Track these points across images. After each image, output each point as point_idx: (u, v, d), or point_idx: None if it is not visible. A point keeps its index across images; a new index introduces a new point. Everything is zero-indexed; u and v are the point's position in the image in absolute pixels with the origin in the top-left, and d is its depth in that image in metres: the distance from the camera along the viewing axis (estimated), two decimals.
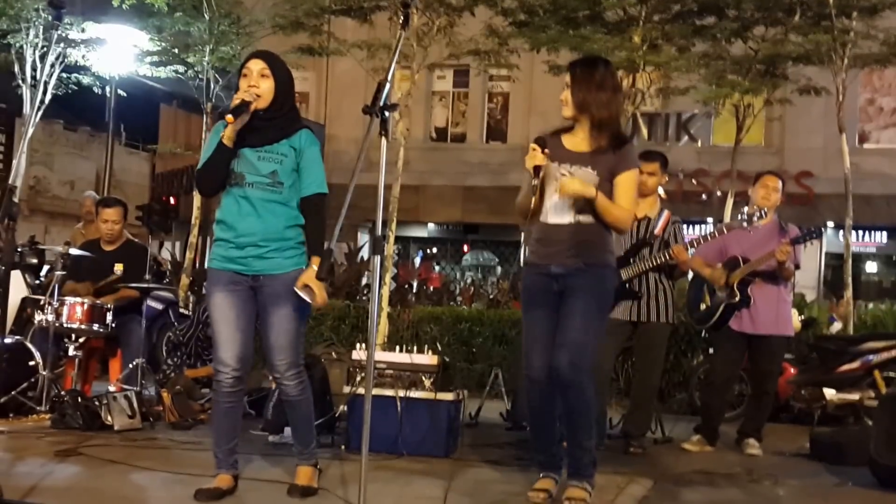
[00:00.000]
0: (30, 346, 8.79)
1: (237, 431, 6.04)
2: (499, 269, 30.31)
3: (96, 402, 8.18)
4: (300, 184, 5.81)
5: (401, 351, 7.88)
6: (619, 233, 6.12)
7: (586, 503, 5.74)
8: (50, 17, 15.66)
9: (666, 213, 8.62)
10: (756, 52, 15.47)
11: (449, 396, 7.73)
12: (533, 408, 6.07)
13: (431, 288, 20.60)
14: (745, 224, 8.26)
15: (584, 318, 5.79)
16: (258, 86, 5.70)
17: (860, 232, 26.91)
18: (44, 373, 8.56)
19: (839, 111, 14.40)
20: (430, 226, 32.25)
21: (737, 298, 8.60)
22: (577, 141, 5.92)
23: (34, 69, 16.76)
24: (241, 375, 5.83)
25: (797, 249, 8.65)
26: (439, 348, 8.70)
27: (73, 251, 9.27)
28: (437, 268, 29.51)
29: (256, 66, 5.75)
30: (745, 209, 8.36)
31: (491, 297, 18.89)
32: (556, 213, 5.90)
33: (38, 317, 9.07)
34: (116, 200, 9.89)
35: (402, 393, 7.62)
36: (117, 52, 17.17)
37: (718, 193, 25.32)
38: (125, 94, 20.49)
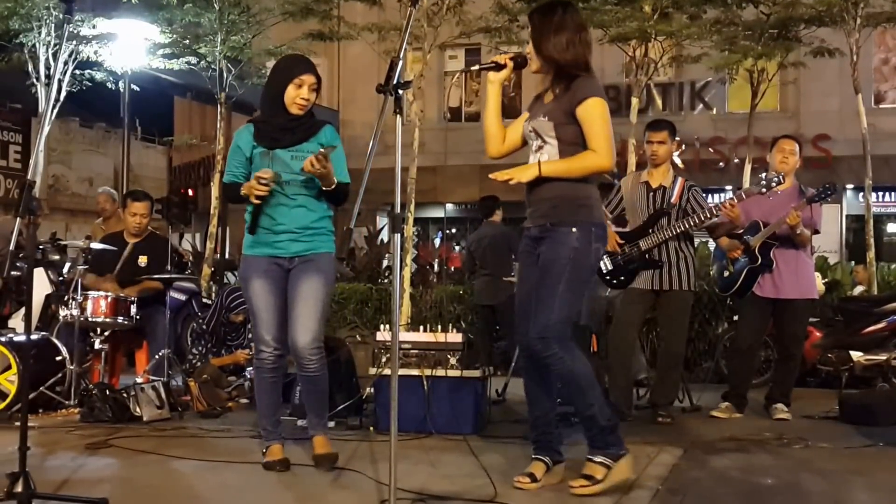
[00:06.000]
0: (56, 341, 8.83)
1: (280, 404, 6.53)
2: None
3: (124, 395, 8.23)
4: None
5: (425, 331, 7.89)
6: (603, 173, 5.71)
7: (593, 480, 5.43)
8: (60, 14, 15.69)
9: (680, 180, 8.60)
10: (768, 16, 15.40)
11: (475, 374, 7.74)
12: (525, 379, 5.86)
13: (452, 268, 20.58)
14: (763, 190, 8.23)
15: (546, 286, 5.49)
16: (309, 100, 6.20)
17: (880, 193, 26.76)
18: (71, 367, 8.61)
19: (854, 72, 14.34)
20: (449, 206, 32.23)
21: (758, 262, 8.60)
22: (547, 94, 5.73)
23: (48, 67, 16.80)
24: (282, 353, 6.26)
25: (816, 213, 8.63)
26: (463, 326, 8.71)
27: (95, 245, 9.32)
28: (457, 247, 29.50)
29: (310, 80, 6.20)
30: (764, 174, 8.34)
31: (513, 274, 18.88)
32: None
33: (62, 312, 9.12)
34: (145, 194, 9.96)
35: (428, 372, 7.64)
36: (129, 47, 17.18)
37: (735, 161, 25.27)
38: (139, 89, 20.52)
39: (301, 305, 6.11)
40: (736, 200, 8.43)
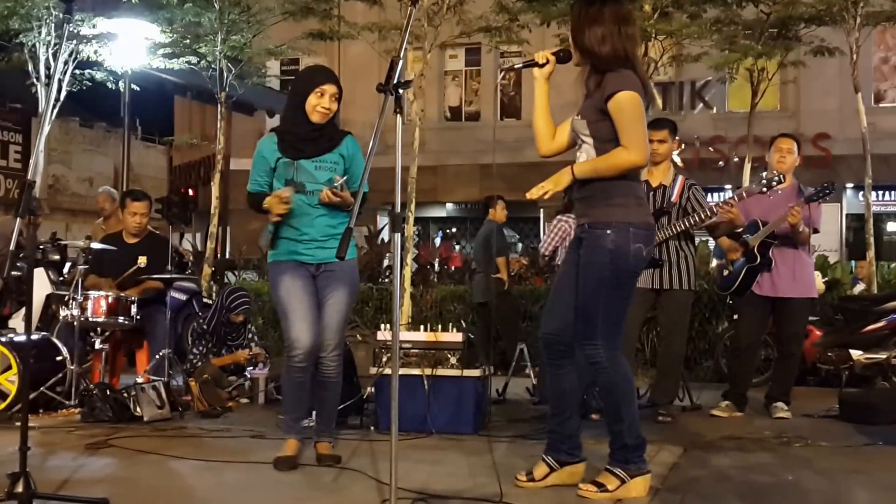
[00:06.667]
0: (56, 341, 8.83)
1: (306, 401, 6.58)
2: (519, 245, 30.27)
3: (125, 395, 8.23)
4: (350, 184, 6.33)
5: (425, 330, 7.89)
6: (639, 169, 5.47)
7: (602, 488, 5.39)
8: (60, 14, 15.70)
9: (681, 178, 8.60)
10: (768, 15, 15.43)
11: (475, 373, 7.74)
12: (547, 376, 5.84)
13: (453, 267, 20.55)
14: (764, 189, 8.24)
15: (587, 291, 5.42)
16: (330, 109, 6.35)
17: (880, 192, 26.76)
18: (71, 367, 8.61)
19: (854, 71, 14.36)
20: (449, 205, 32.25)
21: (757, 261, 8.61)
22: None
23: (48, 67, 16.81)
24: (313, 352, 6.33)
25: (816, 212, 8.64)
26: (463, 326, 8.71)
27: (95, 245, 9.31)
28: (457, 247, 29.46)
29: (332, 89, 6.34)
30: (764, 173, 8.33)
31: (513, 273, 18.93)
32: None
33: (63, 312, 9.13)
34: (144, 194, 9.95)
35: (428, 372, 7.64)
36: (129, 46, 17.18)
37: (735, 160, 25.27)
38: (139, 89, 20.52)
39: (328, 316, 6.35)
40: (736, 200, 8.43)
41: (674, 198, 8.46)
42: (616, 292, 5.43)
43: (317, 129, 6.35)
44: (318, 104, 6.29)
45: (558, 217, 10.31)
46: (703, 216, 8.36)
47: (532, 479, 5.60)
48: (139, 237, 9.58)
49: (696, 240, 9.03)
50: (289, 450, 6.30)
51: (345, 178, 6.24)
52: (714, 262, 9.45)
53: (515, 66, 5.88)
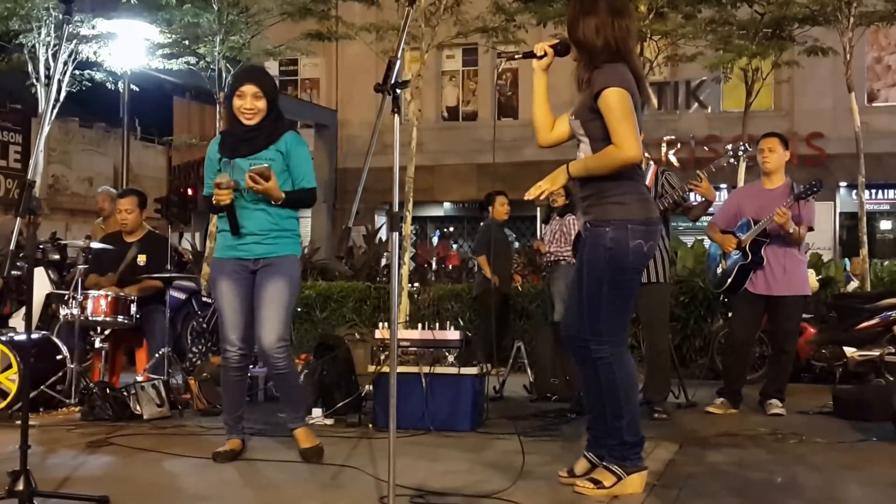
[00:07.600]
0: (56, 340, 8.86)
1: (243, 400, 6.76)
2: (516, 244, 30.32)
3: (125, 393, 8.27)
4: (293, 181, 6.42)
5: (423, 329, 7.93)
6: (634, 165, 5.36)
7: (599, 485, 5.38)
8: (60, 14, 15.73)
9: (653, 166, 8.63)
10: (762, 16, 15.52)
11: (473, 371, 7.77)
12: (580, 374, 5.84)
13: (450, 266, 20.60)
14: (731, 160, 8.36)
15: (590, 289, 5.43)
16: (254, 108, 6.33)
17: (873, 190, 26.89)
18: (71, 366, 8.63)
19: (847, 71, 14.42)
20: (446, 205, 32.29)
21: (749, 260, 8.67)
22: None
23: (47, 67, 16.84)
24: (247, 353, 6.53)
25: (809, 210, 8.69)
26: (461, 324, 8.74)
27: (95, 244, 9.34)
28: (454, 246, 29.52)
29: (250, 89, 6.34)
30: (729, 146, 8.48)
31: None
32: None
33: (63, 311, 9.15)
34: (130, 190, 10.00)
35: (426, 369, 7.68)
36: (129, 47, 17.23)
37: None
38: (138, 89, 20.54)
39: (266, 308, 6.32)
40: (705, 175, 8.48)
41: (646, 184, 8.48)
42: (617, 289, 5.42)
43: (252, 129, 6.39)
44: (241, 106, 6.34)
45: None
46: (675, 197, 8.42)
47: (573, 475, 5.59)
48: (138, 236, 9.60)
49: (692, 238, 9.08)
50: (230, 446, 6.48)
51: (265, 164, 6.17)
52: (711, 263, 9.50)
53: (515, 57, 5.90)
